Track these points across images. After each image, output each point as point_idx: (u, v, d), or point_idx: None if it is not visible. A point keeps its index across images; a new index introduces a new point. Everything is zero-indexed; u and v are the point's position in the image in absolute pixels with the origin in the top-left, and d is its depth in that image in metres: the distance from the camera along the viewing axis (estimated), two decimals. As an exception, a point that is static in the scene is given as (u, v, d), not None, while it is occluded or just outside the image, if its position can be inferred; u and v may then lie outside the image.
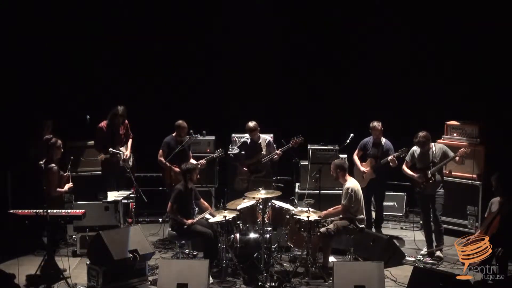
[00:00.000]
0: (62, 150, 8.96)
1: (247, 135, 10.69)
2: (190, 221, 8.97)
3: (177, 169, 9.93)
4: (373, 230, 10.25)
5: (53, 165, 8.72)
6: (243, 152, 10.54)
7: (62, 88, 11.44)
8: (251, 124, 10.34)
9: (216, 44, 12.12)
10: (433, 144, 9.60)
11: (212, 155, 10.65)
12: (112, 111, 10.15)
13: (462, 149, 9.48)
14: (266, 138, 10.48)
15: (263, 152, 10.39)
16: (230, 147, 11.32)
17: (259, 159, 10.41)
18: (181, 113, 11.16)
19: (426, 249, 9.62)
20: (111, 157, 10.04)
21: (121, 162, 10.03)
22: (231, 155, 10.68)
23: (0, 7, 10.54)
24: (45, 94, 11.17)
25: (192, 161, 10.39)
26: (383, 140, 10.25)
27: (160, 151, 10.28)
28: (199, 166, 9.96)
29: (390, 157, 9.96)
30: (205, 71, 12.18)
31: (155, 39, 12.00)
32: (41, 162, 8.35)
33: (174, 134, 10.34)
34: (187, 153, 10.33)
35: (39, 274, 8.37)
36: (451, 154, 9.44)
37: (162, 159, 10.23)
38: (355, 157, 10.40)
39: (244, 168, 10.46)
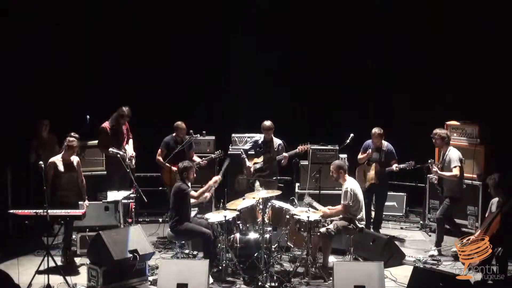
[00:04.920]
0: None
1: (248, 135, 10.69)
2: (214, 180, 9.22)
3: (175, 168, 9.99)
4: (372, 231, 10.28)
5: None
6: (252, 151, 10.61)
7: (62, 88, 11.44)
8: (267, 123, 10.36)
9: (217, 44, 12.11)
10: (450, 147, 9.69)
11: (211, 155, 10.65)
12: (118, 112, 10.17)
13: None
14: (278, 141, 10.49)
15: (272, 153, 10.41)
16: (230, 147, 11.34)
17: (265, 159, 10.43)
18: (181, 113, 11.18)
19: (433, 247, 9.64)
20: (113, 157, 10.07)
21: (127, 160, 10.04)
22: (242, 149, 10.69)
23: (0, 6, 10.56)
24: (46, 93, 11.18)
25: (196, 158, 10.45)
26: (384, 144, 10.24)
27: (159, 150, 10.37)
28: (201, 163, 10.00)
29: (394, 167, 10.05)
30: (205, 71, 12.17)
31: (156, 38, 12.00)
32: (41, 162, 8.35)
33: (174, 134, 10.39)
34: (185, 153, 10.36)
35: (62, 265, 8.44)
36: (453, 164, 9.50)
37: (160, 158, 10.33)
38: (360, 157, 10.43)
39: (249, 165, 10.48)
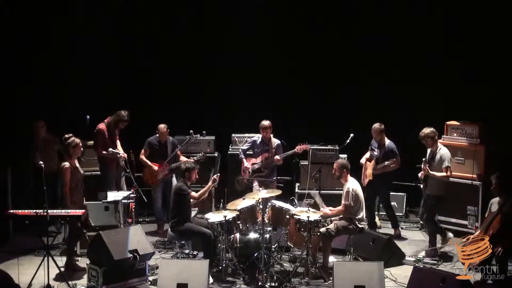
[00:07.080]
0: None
1: (248, 135, 10.67)
2: (212, 180, 9.23)
3: (156, 167, 10.41)
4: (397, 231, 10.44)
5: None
6: (250, 151, 10.63)
7: (61, 88, 11.44)
8: (265, 122, 10.39)
9: (215, 43, 12.11)
10: (440, 145, 9.61)
11: (193, 158, 10.58)
12: (118, 115, 10.18)
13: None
14: (276, 141, 10.50)
15: (270, 153, 10.43)
16: (230, 147, 11.35)
17: (263, 160, 10.44)
18: (181, 113, 11.18)
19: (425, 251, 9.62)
20: (111, 157, 10.10)
21: (121, 162, 10.08)
22: (241, 149, 10.72)
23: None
24: (46, 93, 11.19)
25: (182, 158, 10.53)
26: (387, 142, 10.26)
27: (142, 150, 10.57)
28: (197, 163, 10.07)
29: (386, 163, 10.08)
30: (205, 71, 12.16)
31: (154, 38, 12.00)
32: (41, 162, 8.35)
33: (157, 135, 10.50)
34: (168, 153, 10.49)
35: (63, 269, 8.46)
36: (444, 164, 9.40)
37: (143, 157, 10.54)
38: (364, 157, 10.49)
39: (246, 166, 10.48)
